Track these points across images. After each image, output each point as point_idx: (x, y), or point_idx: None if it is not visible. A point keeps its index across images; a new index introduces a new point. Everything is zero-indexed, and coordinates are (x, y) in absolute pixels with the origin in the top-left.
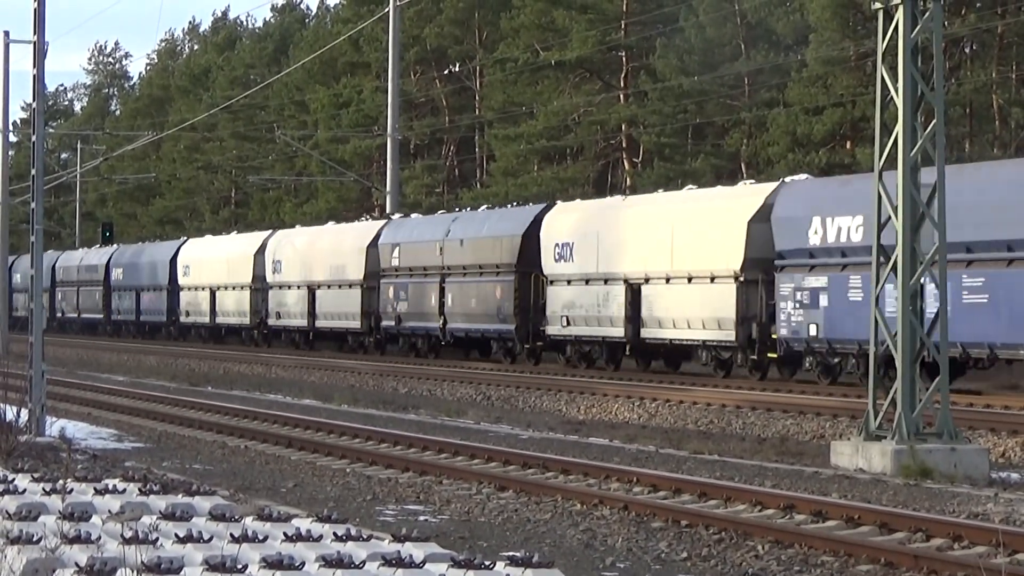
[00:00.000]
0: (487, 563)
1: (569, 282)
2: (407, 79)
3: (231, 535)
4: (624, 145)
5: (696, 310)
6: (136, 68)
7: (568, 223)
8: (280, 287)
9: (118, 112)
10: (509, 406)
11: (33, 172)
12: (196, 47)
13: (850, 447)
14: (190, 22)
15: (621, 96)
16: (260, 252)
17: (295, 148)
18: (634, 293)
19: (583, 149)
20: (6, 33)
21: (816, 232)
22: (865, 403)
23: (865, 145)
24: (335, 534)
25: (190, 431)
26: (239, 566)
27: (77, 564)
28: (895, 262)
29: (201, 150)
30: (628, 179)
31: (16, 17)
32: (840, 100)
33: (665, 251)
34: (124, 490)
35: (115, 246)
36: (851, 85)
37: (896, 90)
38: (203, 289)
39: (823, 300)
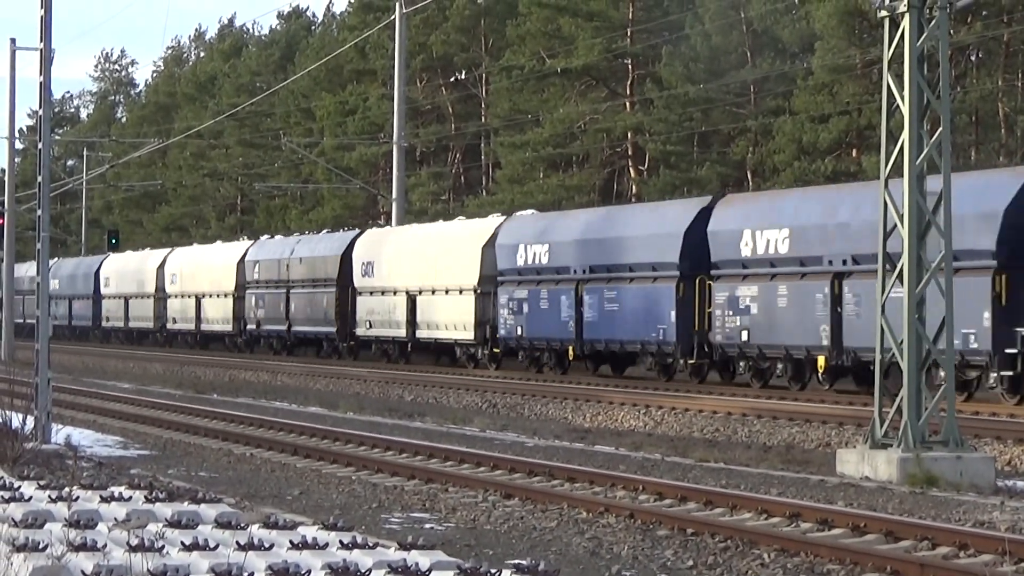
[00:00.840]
0: (493, 571)
1: (371, 293)
2: (413, 86)
3: (237, 543)
4: (630, 153)
5: (452, 316)
6: (142, 75)
7: (369, 246)
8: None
9: (124, 119)
10: (515, 414)
11: (39, 179)
12: (202, 54)
13: (856, 455)
14: (196, 29)
15: (627, 104)
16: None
17: (301, 155)
18: (412, 302)
19: (589, 157)
20: (12, 40)
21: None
22: (871, 411)
23: (871, 153)
24: (341, 542)
25: (195, 438)
26: (245, 574)
27: (83, 572)
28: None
29: (207, 157)
30: (634, 187)
31: (23, 24)
32: (846, 108)
33: (431, 269)
34: (130, 497)
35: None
36: (857, 93)
37: (902, 98)
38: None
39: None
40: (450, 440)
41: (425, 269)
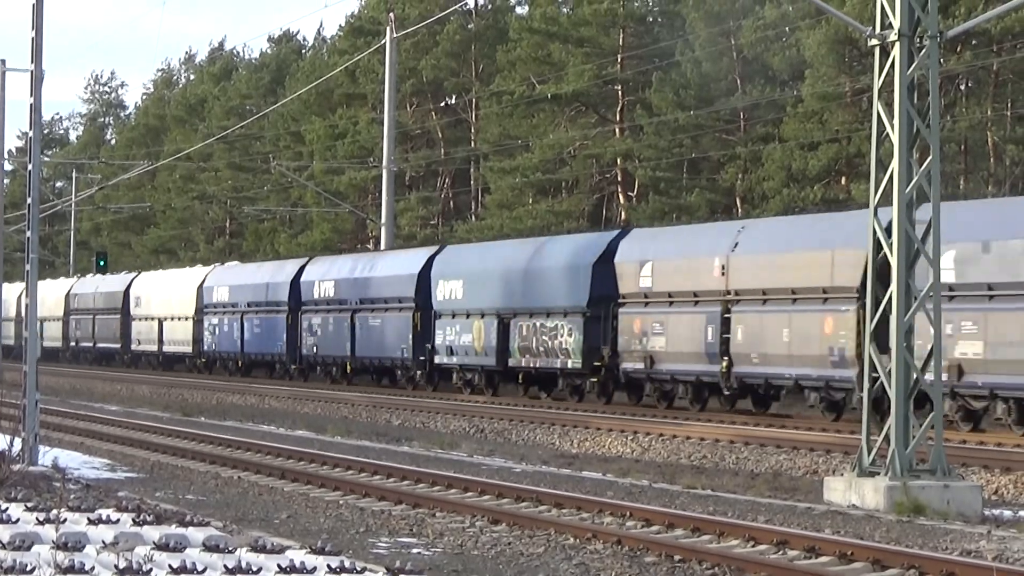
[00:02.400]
0: None
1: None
2: (403, 111)
3: (225, 566)
4: (619, 179)
5: None
6: (132, 97)
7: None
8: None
9: (113, 141)
10: (502, 439)
11: (29, 200)
12: (192, 77)
13: (843, 483)
14: (186, 52)
15: (617, 130)
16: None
17: (290, 179)
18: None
19: (578, 183)
20: (2, 61)
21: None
22: (858, 439)
23: (860, 181)
24: (329, 566)
25: (183, 461)
26: None
27: None
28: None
29: (196, 180)
30: (623, 213)
31: (12, 45)
32: (835, 136)
33: None
34: (118, 520)
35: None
36: (846, 121)
37: (892, 126)
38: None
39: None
40: (438, 465)
41: None
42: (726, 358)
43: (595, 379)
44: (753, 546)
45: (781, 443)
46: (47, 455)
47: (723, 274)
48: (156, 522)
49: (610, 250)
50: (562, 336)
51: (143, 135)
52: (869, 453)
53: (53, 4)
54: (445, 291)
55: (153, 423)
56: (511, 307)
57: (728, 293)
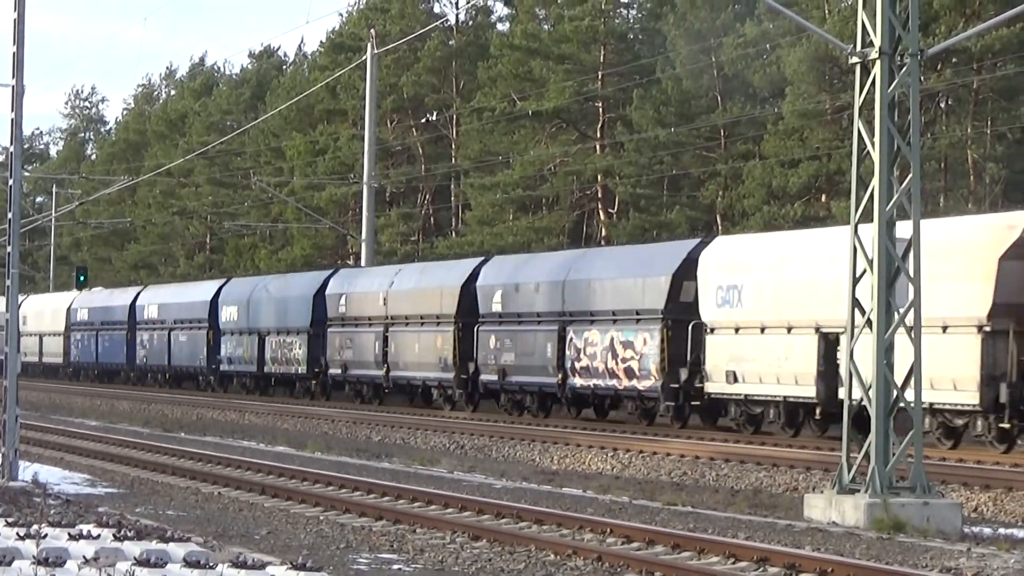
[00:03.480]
0: None
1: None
2: (384, 127)
3: None
4: (600, 196)
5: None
6: (112, 112)
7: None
8: None
9: (94, 156)
10: (483, 455)
11: (10, 215)
12: (173, 92)
13: (823, 500)
14: (167, 67)
15: (597, 147)
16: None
17: (271, 195)
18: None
19: (559, 199)
20: None
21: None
22: (838, 456)
23: (840, 198)
24: None
25: (163, 477)
26: None
27: None
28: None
29: (177, 195)
30: (603, 230)
31: None
32: (816, 153)
33: None
34: (98, 536)
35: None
36: (827, 138)
37: (872, 144)
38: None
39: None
40: (418, 481)
41: None
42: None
43: None
44: (734, 563)
45: (761, 460)
46: (27, 470)
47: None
48: (137, 538)
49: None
50: None
51: (123, 150)
52: (849, 470)
53: (34, 19)
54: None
55: (133, 438)
56: None
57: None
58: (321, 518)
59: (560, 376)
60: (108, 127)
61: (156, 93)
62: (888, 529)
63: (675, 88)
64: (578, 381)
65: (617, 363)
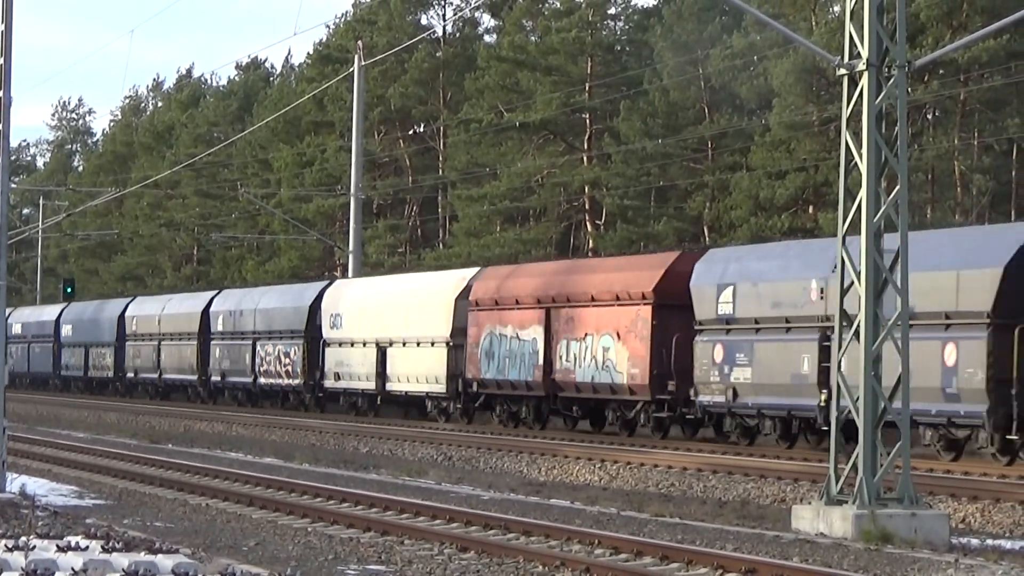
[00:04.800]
0: None
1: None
2: (371, 139)
3: None
4: (587, 207)
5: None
6: (100, 124)
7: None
8: None
9: (81, 168)
10: (470, 467)
11: None
12: (160, 104)
13: (811, 511)
14: (154, 79)
15: (584, 158)
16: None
17: (258, 206)
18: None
19: (546, 211)
20: None
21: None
22: (826, 467)
23: (827, 210)
24: None
25: (151, 488)
26: None
27: None
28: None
29: (164, 207)
30: (591, 241)
31: None
32: (803, 165)
33: None
34: (87, 547)
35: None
36: (814, 150)
37: (860, 155)
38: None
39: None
40: (406, 492)
41: None
42: None
43: None
44: (721, 574)
45: (749, 471)
46: (15, 482)
47: None
48: (125, 549)
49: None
50: None
51: (110, 162)
52: (837, 481)
53: (20, 30)
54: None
55: (120, 450)
56: None
57: None
58: (309, 529)
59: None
60: (95, 139)
61: (143, 105)
62: (876, 540)
63: (662, 100)
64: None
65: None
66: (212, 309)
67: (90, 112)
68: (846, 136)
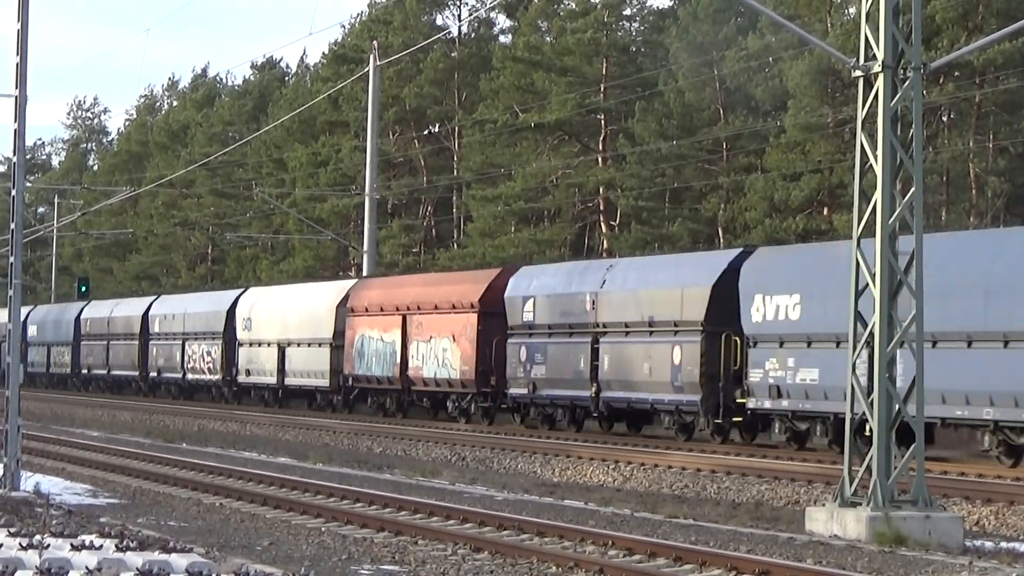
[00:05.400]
0: None
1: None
2: (386, 139)
3: None
4: (601, 208)
5: None
6: (115, 123)
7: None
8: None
9: (96, 167)
10: (484, 467)
11: (12, 226)
12: (175, 103)
13: (825, 513)
14: (169, 78)
15: (599, 159)
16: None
17: (272, 206)
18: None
19: (560, 211)
20: None
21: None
22: (840, 469)
23: (842, 212)
24: None
25: (165, 487)
26: None
27: None
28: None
29: (178, 206)
30: (605, 242)
31: None
32: (818, 166)
33: None
34: (101, 546)
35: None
36: (829, 152)
37: (875, 157)
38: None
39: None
40: (419, 493)
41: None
42: None
43: None
44: None
45: (763, 473)
46: (29, 480)
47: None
48: (139, 548)
49: None
50: None
51: (125, 161)
52: (851, 483)
53: (36, 29)
54: None
55: (135, 449)
56: None
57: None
58: (323, 529)
59: None
60: (110, 138)
61: (158, 104)
62: (890, 542)
63: (677, 101)
64: None
65: None
66: (151, 313)
67: (105, 111)
68: (861, 138)
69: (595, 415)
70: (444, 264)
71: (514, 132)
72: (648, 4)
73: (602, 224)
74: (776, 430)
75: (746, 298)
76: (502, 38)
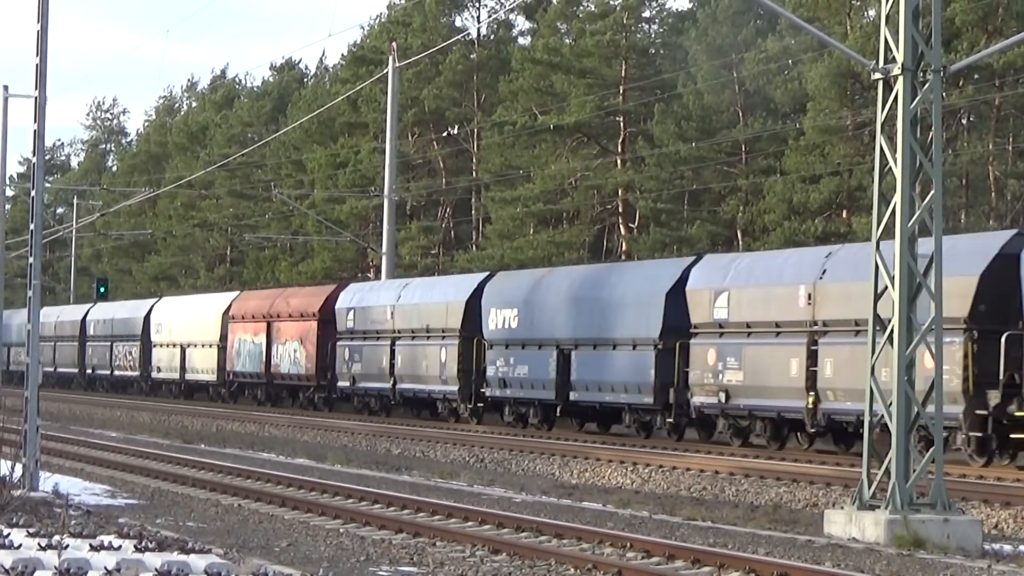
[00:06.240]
0: None
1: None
2: (405, 140)
3: None
4: (620, 210)
5: None
6: (134, 124)
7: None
8: None
9: (115, 168)
10: (502, 469)
11: (31, 227)
12: (194, 104)
13: (843, 516)
14: (189, 79)
15: (618, 161)
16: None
17: (291, 207)
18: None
19: (579, 213)
20: (5, 88)
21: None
22: (858, 472)
23: (861, 214)
24: None
25: (183, 488)
26: None
27: None
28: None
29: (197, 207)
30: (624, 244)
31: (14, 71)
32: (837, 169)
33: None
34: (119, 547)
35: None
36: (848, 154)
37: (894, 160)
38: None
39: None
40: (437, 494)
41: None
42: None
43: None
44: None
45: (781, 475)
46: (48, 481)
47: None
48: (158, 549)
49: None
50: None
51: (144, 162)
52: (869, 486)
53: (56, 30)
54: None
55: (153, 450)
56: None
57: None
58: (341, 531)
59: None
60: (129, 139)
61: (177, 105)
62: (908, 546)
63: (696, 103)
64: None
65: None
66: (88, 318)
67: (124, 112)
68: (881, 140)
69: (393, 403)
70: (463, 266)
71: (533, 134)
72: (667, 6)
73: (621, 226)
74: None
75: None
76: (521, 40)
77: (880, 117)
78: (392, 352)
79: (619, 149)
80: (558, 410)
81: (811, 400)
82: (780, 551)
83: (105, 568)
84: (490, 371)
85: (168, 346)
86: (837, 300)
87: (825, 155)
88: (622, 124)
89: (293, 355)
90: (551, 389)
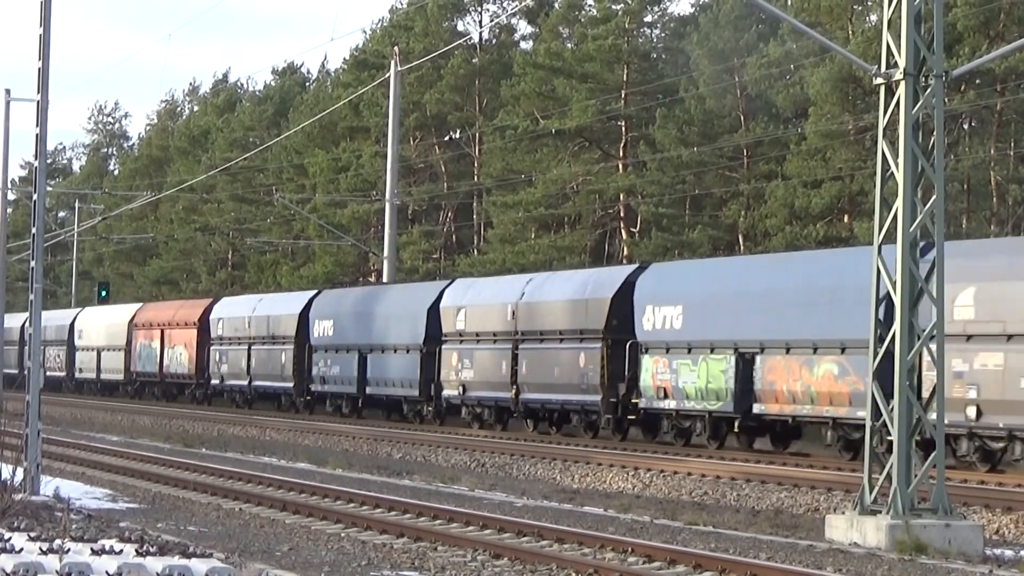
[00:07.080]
0: None
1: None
2: (406, 144)
3: None
4: (622, 215)
5: None
6: (135, 128)
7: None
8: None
9: (116, 172)
10: (503, 473)
11: (33, 230)
12: (196, 108)
13: (845, 521)
14: (190, 83)
15: (620, 165)
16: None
17: (293, 211)
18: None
19: (581, 218)
20: (7, 91)
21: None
22: (860, 477)
23: (863, 219)
24: None
25: (185, 492)
26: None
27: None
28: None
29: (199, 211)
30: (625, 249)
31: (16, 75)
32: (839, 174)
33: None
34: (121, 551)
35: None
36: (850, 159)
37: (896, 165)
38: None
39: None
40: (439, 499)
41: None
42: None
43: None
44: None
45: (783, 480)
46: (49, 485)
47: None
48: (159, 553)
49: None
50: None
51: (146, 166)
52: (871, 491)
53: (58, 34)
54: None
55: (154, 454)
56: None
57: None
58: (342, 535)
59: None
60: (131, 143)
61: (179, 109)
62: (909, 551)
63: (698, 108)
64: None
65: None
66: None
67: (126, 116)
68: (882, 145)
69: (250, 398)
70: (464, 270)
71: (535, 138)
72: (669, 11)
73: (622, 231)
74: None
75: None
76: (523, 44)
77: (882, 122)
78: (249, 355)
79: (621, 154)
80: (360, 401)
81: (515, 391)
82: (781, 556)
83: (106, 572)
84: (315, 371)
85: (87, 350)
86: (532, 315)
87: (827, 160)
88: (624, 129)
89: (179, 357)
90: (354, 384)
